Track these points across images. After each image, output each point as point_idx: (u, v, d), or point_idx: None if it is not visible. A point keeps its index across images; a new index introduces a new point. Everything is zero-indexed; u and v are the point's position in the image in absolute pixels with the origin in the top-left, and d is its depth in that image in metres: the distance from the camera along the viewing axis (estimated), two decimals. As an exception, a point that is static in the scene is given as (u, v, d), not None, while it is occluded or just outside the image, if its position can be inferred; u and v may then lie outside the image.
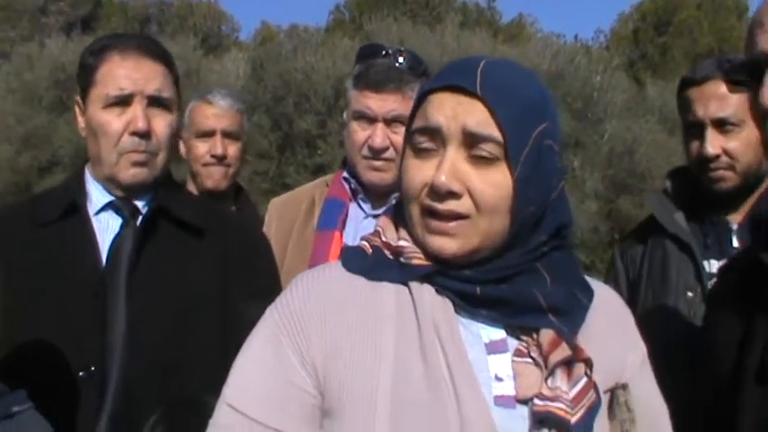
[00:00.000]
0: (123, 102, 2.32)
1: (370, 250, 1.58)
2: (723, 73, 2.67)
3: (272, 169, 18.13)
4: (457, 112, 1.46)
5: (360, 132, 2.76)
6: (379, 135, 2.74)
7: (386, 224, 1.61)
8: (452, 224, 1.48)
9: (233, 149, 3.69)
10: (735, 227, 2.75)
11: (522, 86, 1.50)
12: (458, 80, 1.47)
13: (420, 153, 1.51)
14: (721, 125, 2.67)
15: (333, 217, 2.83)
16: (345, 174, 2.90)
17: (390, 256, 1.56)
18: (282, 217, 2.89)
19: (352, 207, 2.87)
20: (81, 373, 2.17)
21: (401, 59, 2.80)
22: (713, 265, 2.72)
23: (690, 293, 2.71)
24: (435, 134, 1.48)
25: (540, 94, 1.53)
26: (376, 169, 2.77)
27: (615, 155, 17.62)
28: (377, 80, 2.73)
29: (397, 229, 1.58)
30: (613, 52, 20.45)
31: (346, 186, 2.88)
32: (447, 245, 1.49)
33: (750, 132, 2.66)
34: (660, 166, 17.62)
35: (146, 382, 2.19)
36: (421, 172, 1.50)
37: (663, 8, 25.00)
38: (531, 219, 1.51)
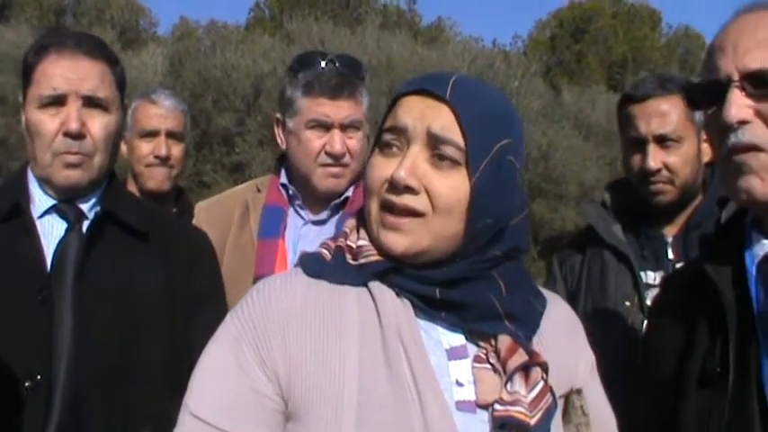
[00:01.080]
0: (57, 101, 2.26)
1: (330, 255, 1.61)
2: (680, 92, 2.77)
3: (189, 167, 17.92)
4: (424, 114, 1.53)
5: (316, 140, 2.76)
6: (338, 141, 2.75)
7: (351, 226, 1.65)
8: (405, 220, 1.53)
9: (177, 150, 3.64)
10: (670, 239, 2.86)
11: (490, 100, 1.57)
12: (429, 85, 1.55)
13: (385, 151, 1.57)
14: (662, 141, 2.77)
15: (274, 225, 2.82)
16: (283, 180, 2.89)
17: (350, 260, 1.59)
18: (213, 222, 2.85)
19: (291, 214, 2.86)
20: (27, 384, 2.12)
21: (343, 65, 2.81)
22: (650, 276, 2.83)
23: (627, 303, 2.81)
24: (401, 134, 1.54)
25: (506, 111, 1.59)
26: (334, 176, 2.77)
27: (530, 160, 17.92)
28: (331, 87, 2.74)
29: (358, 231, 1.62)
30: (531, 58, 20.75)
31: (284, 193, 2.88)
32: (398, 241, 1.53)
33: (688, 148, 2.79)
34: (575, 171, 18.00)
35: (93, 390, 2.15)
36: (383, 168, 1.55)
37: (580, 16, 25.48)
38: (487, 231, 1.55)
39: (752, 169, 1.60)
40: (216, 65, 18.07)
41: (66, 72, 2.26)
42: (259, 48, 18.40)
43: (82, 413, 2.15)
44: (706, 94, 1.68)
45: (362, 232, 1.61)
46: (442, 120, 1.52)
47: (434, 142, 1.51)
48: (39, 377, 2.13)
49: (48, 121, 2.26)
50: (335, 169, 2.77)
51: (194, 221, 2.91)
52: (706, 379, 1.67)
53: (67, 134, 2.25)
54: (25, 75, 2.32)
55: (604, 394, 1.74)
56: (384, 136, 1.57)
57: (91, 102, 2.29)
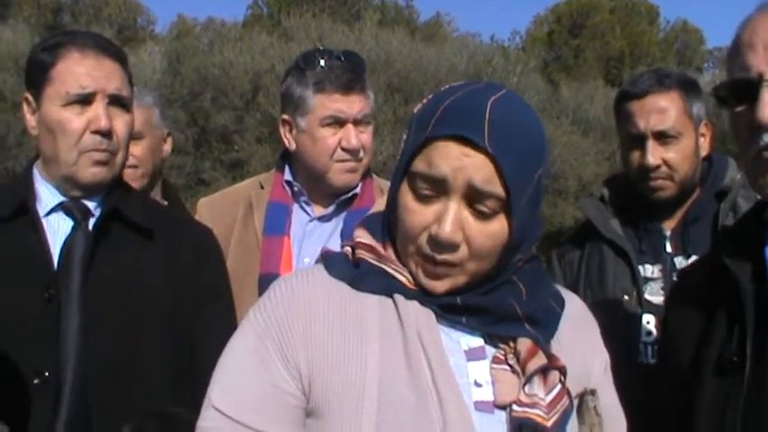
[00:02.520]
0: (84, 100, 2.28)
1: (354, 258, 1.62)
2: (677, 87, 2.81)
3: (189, 165, 17.95)
4: (464, 164, 1.47)
5: (331, 137, 2.79)
6: (353, 136, 2.78)
7: (365, 236, 1.64)
8: (445, 269, 1.53)
9: (138, 150, 3.45)
10: (668, 233, 2.89)
11: (528, 132, 1.51)
12: (465, 131, 1.47)
13: (419, 195, 1.52)
14: (661, 137, 2.80)
15: (280, 221, 2.85)
16: (287, 177, 2.91)
17: (375, 263, 1.60)
18: (216, 219, 2.86)
19: (296, 210, 2.89)
20: (35, 381, 2.14)
21: (349, 61, 2.84)
22: (648, 270, 2.86)
23: (626, 297, 2.84)
24: (438, 184, 1.50)
25: (541, 137, 1.55)
26: (350, 170, 2.80)
27: (530, 155, 17.89)
28: (343, 83, 2.77)
29: (382, 245, 1.62)
30: (529, 53, 20.77)
31: (288, 190, 2.90)
32: (438, 286, 1.55)
33: (687, 143, 2.82)
34: (574, 167, 18.02)
35: (101, 386, 2.18)
36: (422, 217, 1.52)
37: (577, 11, 25.47)
38: (517, 247, 1.58)
39: None
40: (214, 63, 18.06)
41: (92, 71, 2.29)
42: (257, 45, 18.38)
43: (90, 409, 2.17)
44: (736, 92, 1.68)
45: (388, 247, 1.61)
46: (483, 172, 1.46)
47: (475, 195, 1.48)
48: (47, 374, 2.15)
49: (74, 120, 2.28)
50: (351, 164, 2.80)
51: (196, 217, 2.92)
52: (722, 367, 1.69)
53: (97, 132, 2.28)
54: (39, 73, 2.32)
55: (616, 395, 1.75)
56: (418, 182, 1.52)
57: (116, 100, 2.32)
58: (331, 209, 2.85)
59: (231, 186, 3.27)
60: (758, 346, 1.63)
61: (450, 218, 1.49)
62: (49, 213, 2.33)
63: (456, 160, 1.47)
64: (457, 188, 1.48)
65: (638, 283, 2.83)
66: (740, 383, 1.63)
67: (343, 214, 2.83)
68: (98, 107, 2.29)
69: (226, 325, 1.75)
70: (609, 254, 2.90)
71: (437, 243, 1.50)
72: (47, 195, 2.35)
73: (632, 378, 2.46)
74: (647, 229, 2.90)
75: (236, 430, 1.53)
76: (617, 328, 2.75)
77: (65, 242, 2.28)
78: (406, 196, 1.54)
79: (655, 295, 2.79)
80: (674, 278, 2.49)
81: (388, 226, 1.61)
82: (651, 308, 2.77)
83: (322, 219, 2.86)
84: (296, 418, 1.54)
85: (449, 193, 1.49)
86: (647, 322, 2.77)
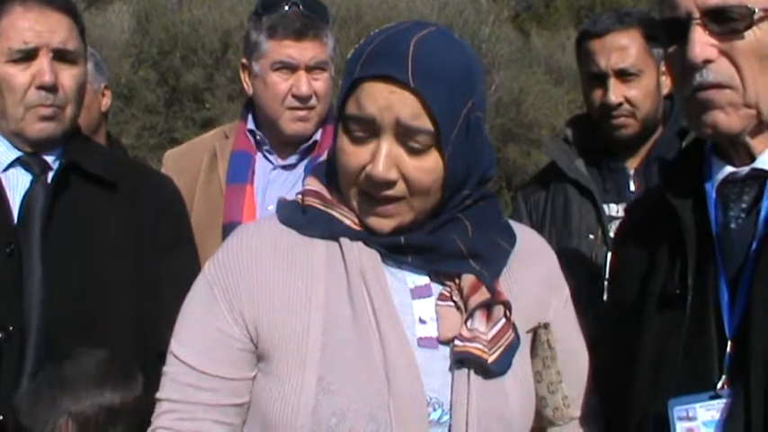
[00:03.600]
0: (28, 55, 2.25)
1: (304, 205, 1.65)
2: (638, 25, 2.81)
3: (161, 124, 17.78)
4: (390, 102, 1.51)
5: (282, 83, 2.77)
6: (304, 82, 2.76)
7: (314, 183, 1.67)
8: (389, 207, 1.56)
9: None
10: (631, 172, 2.91)
11: (453, 65, 1.54)
12: (390, 70, 1.50)
13: (353, 137, 1.55)
14: (623, 75, 2.82)
15: (242, 170, 2.84)
16: (250, 126, 2.90)
17: (322, 208, 1.62)
18: (181, 170, 2.87)
19: (259, 159, 2.89)
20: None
21: (306, 7, 2.81)
22: (612, 209, 2.89)
23: (591, 236, 2.87)
24: (368, 123, 1.53)
25: (468, 69, 1.57)
26: (301, 119, 2.79)
27: (502, 105, 17.88)
28: (296, 29, 2.75)
29: (328, 189, 1.65)
30: (500, 4, 20.64)
31: (251, 139, 2.89)
32: (384, 224, 1.58)
33: (648, 81, 2.83)
34: (547, 116, 18.00)
35: (66, 338, 2.17)
36: (357, 157, 1.55)
37: (547, -41, 25.33)
38: (459, 183, 1.59)
39: (717, 105, 1.61)
40: (183, 21, 17.83)
41: (35, 25, 2.25)
42: (226, 2, 18.15)
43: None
44: (666, 32, 1.68)
45: (335, 192, 1.63)
46: (409, 108, 1.50)
47: (405, 131, 1.51)
48: (11, 328, 2.16)
49: (18, 75, 2.25)
50: (302, 113, 2.78)
51: (163, 170, 2.93)
52: (666, 301, 1.70)
53: (42, 87, 2.25)
54: None
55: (578, 328, 1.79)
56: (350, 125, 1.55)
57: (61, 54, 2.28)
58: (294, 158, 2.85)
59: (197, 137, 3.26)
60: (699, 278, 1.65)
61: (383, 156, 1.52)
62: (7, 168, 2.31)
63: (382, 99, 1.51)
64: (386, 126, 1.51)
65: (602, 221, 2.85)
66: (682, 316, 1.65)
67: (306, 161, 2.82)
68: (42, 62, 2.25)
69: (189, 272, 1.76)
70: (574, 193, 2.92)
71: (373, 182, 1.53)
72: (3, 150, 2.32)
73: (597, 315, 2.51)
74: (610, 168, 2.92)
75: (191, 374, 1.60)
76: (582, 266, 2.79)
77: (24, 196, 2.26)
78: (342, 139, 1.57)
79: None
80: None
81: (333, 173, 1.64)
82: (612, 245, 2.79)
83: (285, 167, 2.86)
84: (244, 361, 1.60)
85: (380, 133, 1.52)
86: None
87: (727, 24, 1.58)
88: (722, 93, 1.60)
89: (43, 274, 2.20)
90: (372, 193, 1.55)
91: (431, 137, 1.52)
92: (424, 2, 19.04)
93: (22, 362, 2.14)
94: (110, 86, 3.80)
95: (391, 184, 1.53)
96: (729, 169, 1.68)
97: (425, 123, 1.51)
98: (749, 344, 1.56)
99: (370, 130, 1.53)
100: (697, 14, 1.59)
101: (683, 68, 1.63)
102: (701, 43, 1.59)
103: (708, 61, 1.59)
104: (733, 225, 1.65)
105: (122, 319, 2.25)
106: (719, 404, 1.58)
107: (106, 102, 3.72)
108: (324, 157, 1.74)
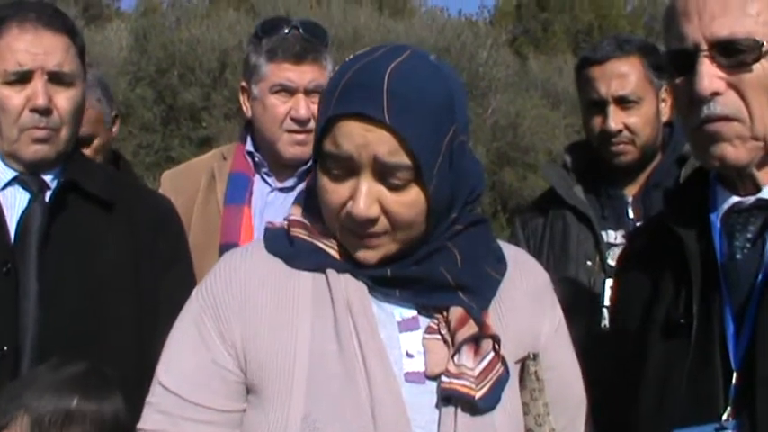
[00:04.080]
0: (23, 77, 2.23)
1: (289, 235, 1.63)
2: (638, 53, 2.82)
3: (157, 142, 17.80)
4: (367, 140, 1.47)
5: (280, 106, 2.77)
6: (303, 106, 2.76)
7: (298, 213, 1.65)
8: (373, 241, 1.54)
9: None
10: (630, 199, 2.91)
11: (431, 95, 1.50)
12: (364, 108, 1.46)
13: (334, 177, 1.53)
14: (622, 102, 2.82)
15: (240, 191, 2.83)
16: (249, 147, 2.90)
17: (308, 239, 1.60)
18: (179, 191, 2.86)
19: (257, 181, 2.88)
20: None
21: (306, 31, 2.82)
22: (611, 236, 2.88)
23: (589, 262, 2.86)
24: (346, 162, 1.50)
25: (448, 96, 1.53)
26: (300, 143, 2.78)
27: (499, 128, 17.94)
28: (295, 52, 2.75)
29: (312, 220, 1.62)
30: (498, 28, 20.77)
31: (249, 161, 2.89)
32: (369, 256, 1.56)
33: (648, 108, 2.84)
34: (543, 140, 18.05)
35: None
36: (337, 195, 1.53)
37: (545, -16, 25.45)
38: (445, 209, 1.57)
39: (724, 138, 1.60)
40: (181, 39, 17.88)
41: (30, 47, 2.23)
42: (224, 21, 18.22)
43: None
44: (673, 64, 1.66)
45: (318, 224, 1.61)
46: (386, 146, 1.47)
47: (383, 169, 1.48)
48: (5, 348, 2.14)
49: (14, 97, 2.24)
50: (300, 136, 2.77)
51: (160, 190, 2.91)
52: (670, 330, 1.69)
53: (35, 110, 2.24)
54: None
55: (572, 353, 1.76)
56: (328, 162, 1.52)
57: (57, 77, 2.27)
58: (292, 180, 2.84)
59: (195, 158, 3.25)
60: (704, 308, 1.64)
61: (363, 195, 1.49)
62: (5, 187, 2.30)
63: (359, 137, 1.47)
64: (364, 164, 1.48)
65: (600, 248, 2.85)
66: (687, 345, 1.63)
67: (304, 184, 2.82)
68: (36, 84, 2.24)
69: (186, 291, 1.75)
70: (572, 220, 2.91)
71: (354, 220, 1.51)
72: (2, 169, 2.31)
73: (594, 343, 2.50)
74: (609, 195, 2.92)
75: (179, 405, 1.58)
76: (580, 293, 2.79)
77: (21, 215, 2.25)
78: (322, 177, 1.55)
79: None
80: None
81: (315, 202, 1.61)
82: (614, 273, 2.78)
83: (283, 189, 2.85)
84: (235, 392, 1.58)
85: (358, 170, 1.50)
86: (610, 287, 2.78)
87: (735, 57, 1.58)
88: (730, 126, 1.60)
89: (39, 294, 2.19)
90: (355, 230, 1.53)
91: (411, 172, 1.49)
92: (421, 25, 19.13)
93: None
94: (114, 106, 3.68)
95: (373, 221, 1.51)
96: (735, 199, 1.67)
97: (404, 159, 1.47)
98: (755, 375, 1.55)
99: (348, 167, 1.50)
100: (705, 47, 1.59)
101: (689, 100, 1.63)
102: (709, 76, 1.58)
103: (716, 94, 1.59)
104: (738, 255, 1.64)
105: (120, 338, 2.24)
106: None
107: (115, 129, 3.66)
108: (300, 186, 1.73)
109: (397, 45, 1.59)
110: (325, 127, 1.51)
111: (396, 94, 1.46)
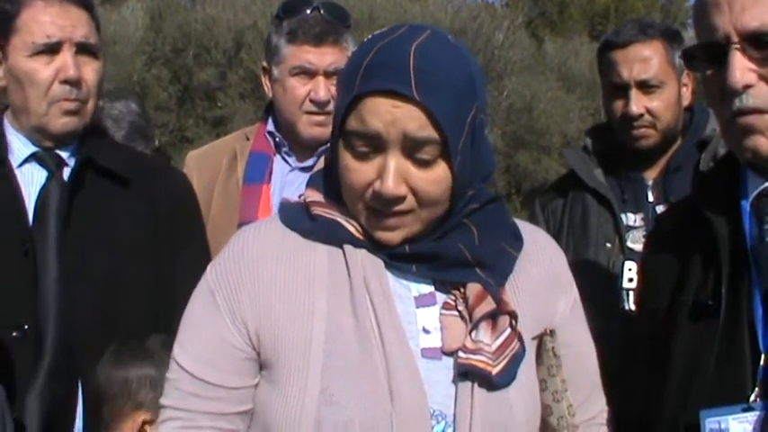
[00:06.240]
0: (51, 49, 2.24)
1: (310, 213, 1.62)
2: (660, 37, 2.82)
3: (172, 122, 17.82)
4: (396, 116, 1.46)
5: (300, 88, 2.77)
6: (322, 88, 2.76)
7: (314, 195, 1.63)
8: (398, 219, 1.53)
9: None
10: (650, 182, 2.91)
11: (455, 72, 1.50)
12: (393, 84, 1.46)
13: (360, 155, 1.51)
14: (644, 86, 2.81)
15: (259, 170, 2.85)
16: (270, 128, 2.91)
17: (328, 216, 1.59)
18: (202, 170, 2.89)
19: (277, 160, 2.89)
20: (14, 333, 2.14)
21: (328, 12, 2.81)
22: (630, 218, 2.88)
23: (608, 245, 2.86)
24: (373, 139, 1.49)
25: (469, 74, 1.53)
26: (319, 124, 2.78)
27: (514, 111, 17.87)
28: (315, 34, 2.74)
29: (329, 200, 1.61)
30: (514, 10, 20.65)
31: (270, 140, 2.90)
32: (392, 237, 1.55)
33: (670, 93, 2.83)
34: (558, 123, 17.99)
35: (82, 336, 2.18)
36: (363, 174, 1.52)
37: (562, -34, 25.32)
38: (466, 188, 1.57)
39: (757, 130, 1.59)
40: (196, 19, 17.86)
41: (57, 19, 2.25)
42: (240, 1, 18.18)
43: (74, 358, 2.18)
44: (704, 56, 1.64)
45: (337, 204, 1.60)
46: (415, 121, 1.46)
47: (412, 144, 1.48)
48: (26, 327, 2.16)
49: (42, 70, 2.25)
50: (320, 117, 2.78)
51: (185, 169, 2.94)
52: (698, 311, 1.68)
53: (66, 81, 2.25)
54: (3, 23, 2.28)
55: (587, 330, 1.76)
56: (353, 140, 1.51)
57: (84, 48, 2.28)
58: (312, 160, 2.85)
59: (219, 139, 3.28)
60: (732, 290, 1.63)
61: (392, 172, 1.48)
62: (22, 164, 2.30)
63: (387, 114, 1.46)
64: (393, 141, 1.47)
65: (620, 231, 2.85)
66: (715, 327, 1.63)
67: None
68: (66, 56, 2.25)
69: (201, 269, 1.76)
70: (592, 202, 2.91)
71: (382, 198, 1.50)
72: (19, 146, 2.31)
73: (614, 324, 2.50)
74: (629, 178, 2.92)
75: (193, 383, 1.59)
76: (599, 275, 2.79)
77: (39, 193, 2.26)
78: (345, 156, 1.53)
79: (637, 243, 2.81)
80: None
81: (332, 183, 1.60)
82: (633, 255, 2.78)
83: (303, 169, 2.86)
84: (246, 369, 1.58)
85: (386, 148, 1.48)
86: (629, 269, 2.79)
87: (766, 49, 1.56)
88: (762, 118, 1.58)
89: (59, 273, 2.20)
90: (381, 209, 1.52)
91: (438, 147, 1.48)
92: (437, 6, 19.04)
93: (38, 359, 2.15)
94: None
95: (401, 199, 1.50)
96: (766, 183, 1.66)
97: (432, 134, 1.47)
98: None
99: (374, 145, 1.49)
100: (736, 39, 1.56)
101: (721, 92, 1.61)
102: (741, 68, 1.56)
103: (747, 86, 1.57)
104: None
105: (138, 314, 2.26)
106: (752, 416, 1.56)
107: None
108: (320, 165, 1.72)
109: (416, 24, 1.59)
110: (350, 105, 1.50)
111: (422, 71, 1.46)
